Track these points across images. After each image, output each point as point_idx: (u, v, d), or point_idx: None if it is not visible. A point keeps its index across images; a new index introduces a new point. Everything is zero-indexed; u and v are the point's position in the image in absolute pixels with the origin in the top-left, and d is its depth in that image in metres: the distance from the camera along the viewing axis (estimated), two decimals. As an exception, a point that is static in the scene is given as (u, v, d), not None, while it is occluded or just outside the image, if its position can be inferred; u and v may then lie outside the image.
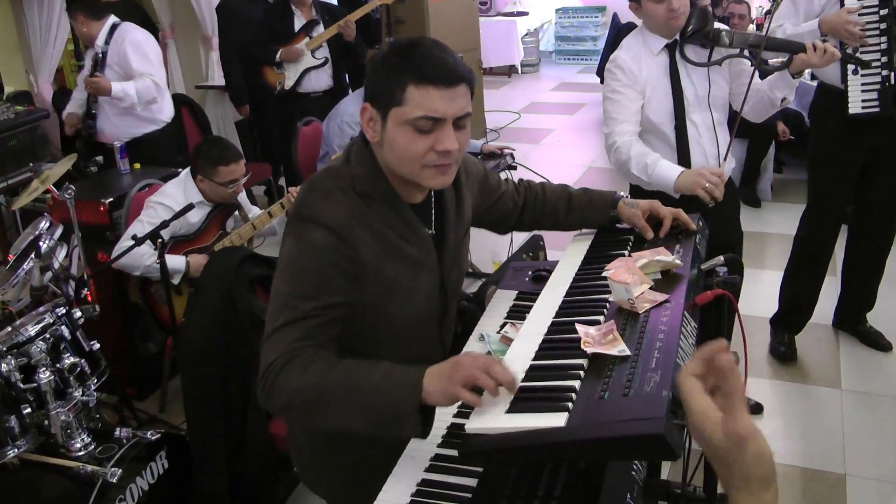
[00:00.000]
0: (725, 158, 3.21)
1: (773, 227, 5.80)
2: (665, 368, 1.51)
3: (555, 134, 8.95)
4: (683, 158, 3.22)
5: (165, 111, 5.28)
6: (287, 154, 5.32)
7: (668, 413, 1.37)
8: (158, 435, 2.89)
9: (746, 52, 3.21)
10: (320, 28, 5.70)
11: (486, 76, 10.37)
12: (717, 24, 3.19)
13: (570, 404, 1.48)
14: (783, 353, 4.28)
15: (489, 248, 4.83)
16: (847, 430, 3.71)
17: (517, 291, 2.35)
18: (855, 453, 3.54)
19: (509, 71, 12.03)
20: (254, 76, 5.91)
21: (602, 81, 8.89)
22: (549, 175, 2.42)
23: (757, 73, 3.17)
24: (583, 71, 12.01)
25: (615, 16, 9.18)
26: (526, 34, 11.96)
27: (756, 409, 3.79)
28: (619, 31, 8.76)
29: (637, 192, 3.23)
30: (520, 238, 3.21)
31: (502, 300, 2.32)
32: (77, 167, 4.88)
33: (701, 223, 2.23)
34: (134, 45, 4.97)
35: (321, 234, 1.75)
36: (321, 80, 5.79)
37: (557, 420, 1.44)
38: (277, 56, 5.63)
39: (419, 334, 1.96)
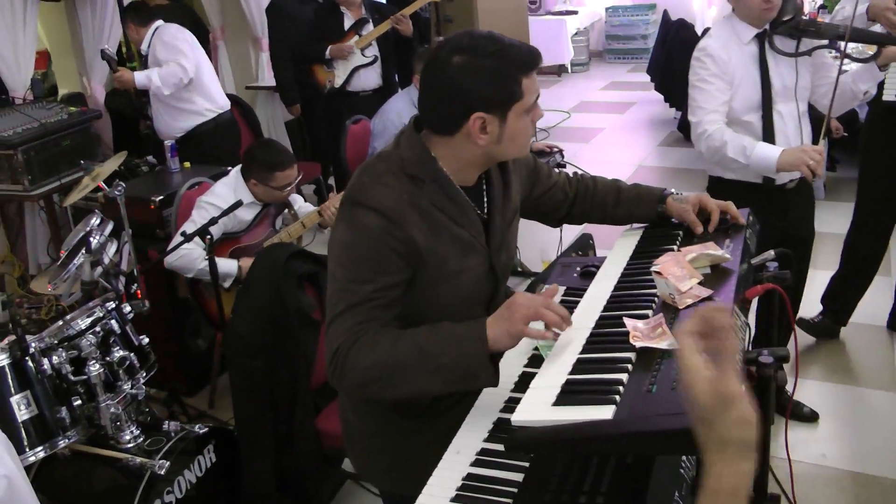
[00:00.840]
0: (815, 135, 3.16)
1: (826, 227, 5.67)
2: (715, 363, 1.48)
3: (605, 133, 8.89)
4: None
5: (212, 102, 5.37)
6: (336, 152, 5.34)
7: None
8: (206, 429, 2.92)
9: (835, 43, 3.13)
10: (370, 26, 5.70)
11: (536, 75, 10.29)
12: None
13: (617, 397, 1.45)
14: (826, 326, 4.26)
15: (538, 247, 4.80)
16: (904, 433, 3.62)
17: (565, 287, 2.32)
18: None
19: (559, 70, 11.95)
20: (304, 75, 5.93)
21: (652, 79, 8.91)
22: (599, 174, 2.39)
23: (836, 67, 3.12)
24: (633, 70, 11.90)
25: (665, 13, 9.07)
26: (576, 33, 11.87)
27: (811, 416, 3.71)
28: (669, 29, 8.69)
29: (718, 185, 3.25)
30: (569, 237, 3.19)
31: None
32: (128, 166, 4.96)
33: (751, 218, 2.18)
34: (162, 39, 5.16)
35: (372, 217, 1.78)
36: (370, 79, 5.80)
37: (605, 413, 1.42)
38: (327, 53, 5.65)
39: (468, 317, 1.91)
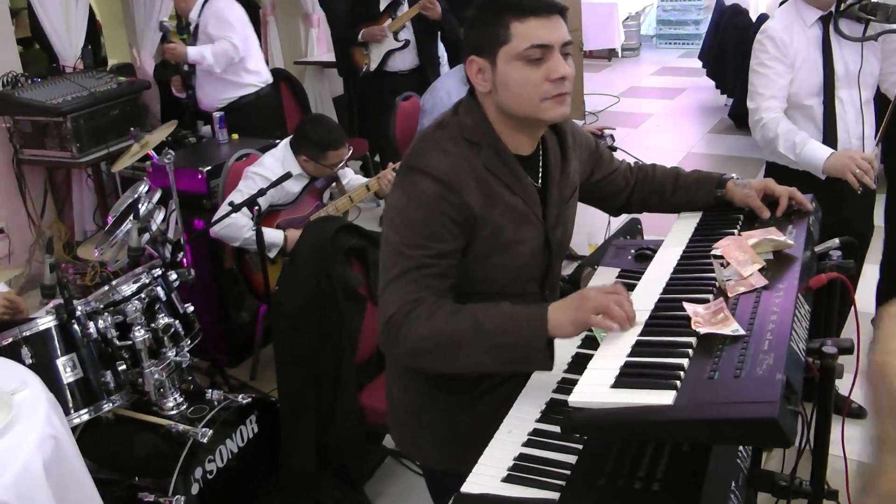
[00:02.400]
0: (877, 139, 3.09)
1: (878, 219, 5.55)
2: (778, 351, 1.43)
3: (654, 118, 8.80)
4: (830, 137, 3.11)
5: (255, 76, 5.37)
6: (375, 131, 5.32)
7: (782, 397, 1.29)
8: (249, 399, 2.92)
9: None
10: (405, 7, 5.67)
11: (586, 59, 10.21)
12: None
13: (678, 382, 1.40)
14: None
15: (585, 231, 4.73)
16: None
17: (619, 269, 2.28)
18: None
19: (609, 55, 11.84)
20: (345, 55, 5.94)
21: (704, 65, 8.79)
22: (647, 160, 2.35)
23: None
24: (684, 55, 11.76)
25: (719, -1, 8.96)
26: (627, 18, 11.76)
27: (860, 412, 3.62)
28: (722, 15, 8.56)
29: (774, 172, 3.18)
30: (616, 221, 3.13)
31: (604, 278, 2.24)
32: (175, 137, 4.97)
33: (815, 204, 2.12)
34: (215, 12, 5.15)
35: (428, 183, 1.77)
36: (406, 61, 5.78)
37: (665, 398, 1.37)
38: (360, 36, 5.64)
39: (521, 291, 1.93)
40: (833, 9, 3.05)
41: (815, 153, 2.92)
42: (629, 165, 2.29)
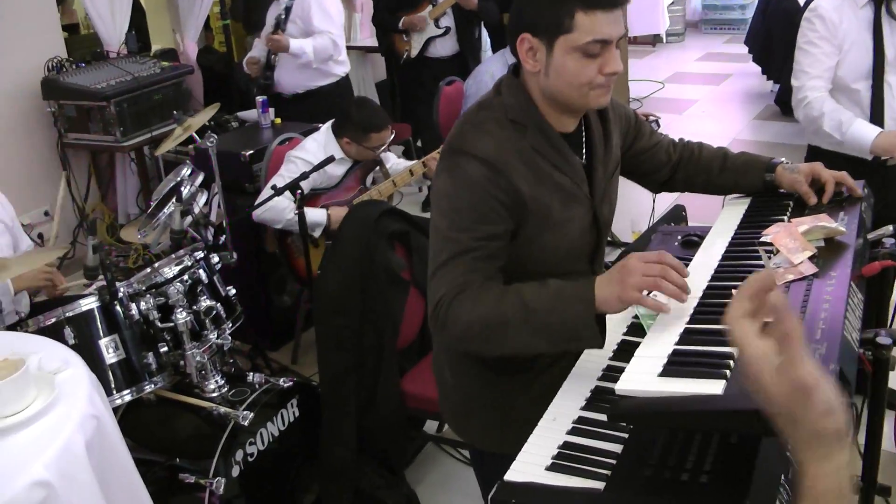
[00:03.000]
0: None
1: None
2: (831, 340, 1.39)
3: (699, 104, 8.69)
4: (876, 122, 3.04)
5: (342, 67, 5.37)
6: (417, 116, 5.30)
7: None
8: (291, 383, 2.92)
9: None
10: None
11: (631, 45, 10.10)
12: None
13: (727, 371, 1.37)
14: None
15: (629, 218, 4.68)
16: None
17: (667, 257, 2.24)
18: None
19: (654, 40, 11.69)
20: (386, 42, 5.92)
21: (750, 51, 8.65)
22: None
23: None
24: (730, 41, 11.59)
25: (767, -18, 8.79)
26: (672, 2, 11.58)
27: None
28: (769, 0, 8.40)
29: (816, 155, 3.12)
30: (660, 209, 3.09)
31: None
32: (218, 121, 4.99)
33: (867, 190, 2.06)
34: (318, 1, 5.07)
35: (475, 166, 1.75)
36: (446, 47, 5.79)
37: (715, 387, 1.34)
38: (400, 24, 5.62)
39: (571, 270, 1.91)
40: None
41: (863, 132, 2.87)
42: (672, 140, 2.26)
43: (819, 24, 3.01)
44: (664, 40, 11.80)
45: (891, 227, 1.88)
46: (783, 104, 8.02)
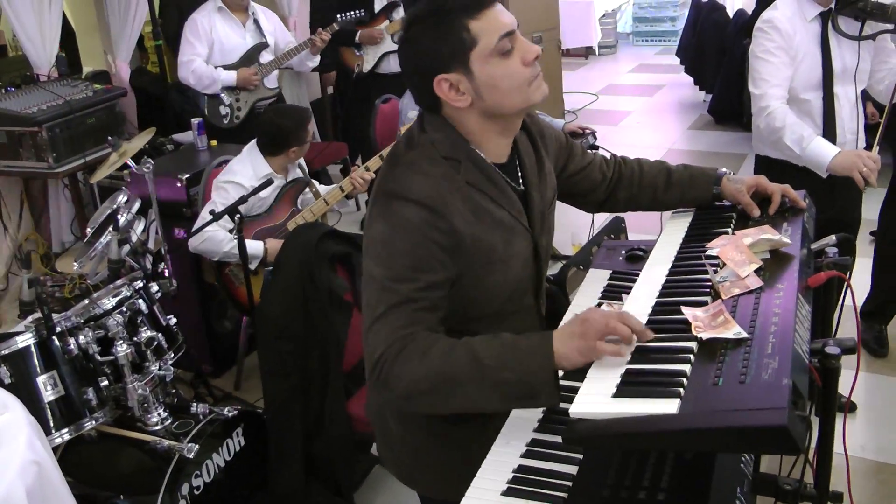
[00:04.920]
0: (877, 140, 3.06)
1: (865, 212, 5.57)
2: (783, 354, 1.39)
3: (633, 115, 8.80)
4: (829, 132, 3.13)
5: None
6: (366, 133, 5.28)
7: (790, 403, 1.26)
8: (235, 412, 2.87)
9: None
10: (401, 10, 5.63)
11: (564, 58, 10.20)
12: None
13: (681, 390, 1.36)
14: (875, 347, 4.08)
15: (569, 231, 4.71)
16: (945, 426, 3.53)
17: (611, 271, 2.24)
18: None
19: (586, 52, 11.84)
20: (333, 55, 5.85)
21: (682, 62, 8.79)
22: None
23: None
24: (661, 52, 11.78)
25: (696, -6, 8.97)
26: (603, 15, 11.76)
27: (850, 407, 3.61)
28: (700, 11, 8.57)
29: (765, 164, 3.20)
30: (599, 221, 3.11)
31: (596, 280, 2.21)
32: (153, 144, 4.90)
33: (808, 201, 2.08)
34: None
35: (411, 209, 1.65)
36: (399, 63, 5.71)
37: (669, 406, 1.33)
38: (357, 38, 5.57)
39: (518, 307, 1.87)
40: (833, 5, 3.06)
41: (822, 150, 2.92)
42: (604, 158, 2.20)
43: (775, 35, 3.06)
44: (597, 52, 11.96)
45: (833, 238, 1.90)
46: (716, 113, 8.16)
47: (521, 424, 1.68)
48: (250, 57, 5.08)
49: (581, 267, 2.64)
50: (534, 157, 1.93)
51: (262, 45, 5.14)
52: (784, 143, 3.01)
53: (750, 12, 7.56)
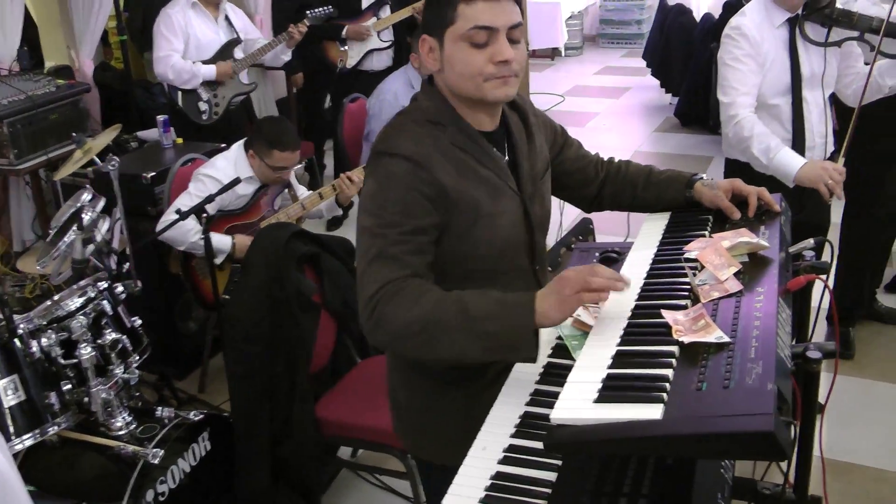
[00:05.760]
0: (842, 151, 3.07)
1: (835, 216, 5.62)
2: (766, 359, 1.37)
3: (600, 117, 8.80)
4: (798, 137, 3.15)
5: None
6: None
7: (775, 409, 1.24)
8: (202, 415, 2.82)
9: (866, 36, 3.09)
10: (387, 9, 5.60)
11: (530, 59, 10.22)
12: (839, 4, 3.10)
13: (664, 395, 1.34)
14: (841, 350, 4.11)
15: (537, 232, 4.70)
16: (912, 427, 3.56)
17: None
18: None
19: (553, 54, 11.84)
20: (315, 50, 5.79)
21: (648, 65, 8.82)
22: None
23: (863, 58, 3.13)
24: (627, 55, 11.80)
25: (662, -1, 9.01)
26: (570, 16, 11.76)
27: (817, 408, 3.62)
28: (667, 15, 8.60)
29: (735, 168, 3.21)
30: (568, 221, 3.09)
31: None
32: (117, 142, 4.82)
33: (783, 204, 2.08)
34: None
35: (397, 162, 1.79)
36: (382, 61, 5.75)
37: (653, 412, 1.31)
38: (344, 32, 5.52)
39: (512, 267, 1.96)
40: (800, 12, 3.08)
41: (789, 161, 2.94)
42: (601, 157, 2.28)
43: (743, 42, 3.08)
44: (563, 54, 11.97)
45: (811, 241, 1.90)
46: (682, 116, 8.19)
47: (499, 430, 1.66)
48: (224, 52, 5.03)
49: (550, 268, 2.62)
50: (524, 133, 2.03)
51: (236, 41, 5.10)
52: (751, 153, 3.03)
53: (717, 16, 7.61)
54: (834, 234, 4.06)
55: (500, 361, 1.88)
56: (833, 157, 3.29)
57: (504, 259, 1.93)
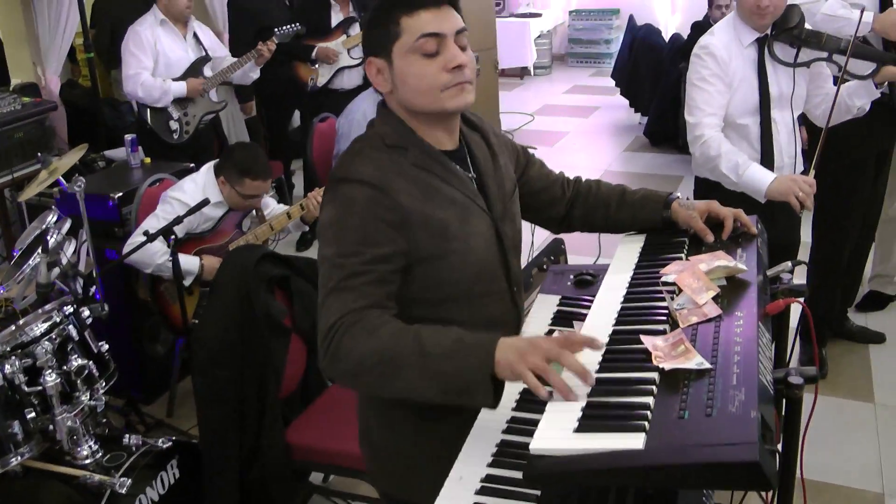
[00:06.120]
0: (813, 166, 3.08)
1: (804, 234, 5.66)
2: (749, 385, 1.35)
3: (569, 137, 8.82)
4: (766, 156, 3.15)
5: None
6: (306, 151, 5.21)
7: (759, 437, 1.22)
8: (170, 443, 2.76)
9: (834, 57, 3.11)
10: (357, 27, 5.59)
11: (500, 78, 10.24)
12: (807, 25, 3.12)
13: (646, 423, 1.32)
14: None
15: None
16: (884, 446, 3.57)
17: (560, 296, 2.19)
18: (893, 470, 3.41)
19: (521, 73, 11.89)
20: (284, 69, 5.76)
21: (617, 84, 8.86)
22: None
23: (832, 79, 3.14)
24: (596, 74, 11.86)
25: (631, 18, 9.05)
26: (538, 36, 11.81)
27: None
28: (636, 35, 8.65)
29: (705, 187, 3.20)
30: (539, 241, 3.09)
31: (544, 306, 2.15)
32: (84, 161, 4.76)
33: (760, 226, 2.07)
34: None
35: (356, 188, 1.73)
36: (352, 79, 5.70)
37: (635, 442, 1.28)
38: (314, 54, 5.50)
39: (488, 290, 1.87)
40: (769, 31, 3.10)
41: (759, 176, 2.93)
42: (566, 177, 2.22)
43: (711, 62, 3.08)
44: (532, 73, 12.01)
45: (789, 264, 1.89)
46: (652, 135, 8.23)
47: (475, 459, 1.62)
48: (193, 70, 4.98)
49: (541, 293, 2.60)
50: (487, 152, 1.97)
51: (205, 59, 5.06)
52: (720, 172, 3.03)
53: (686, 36, 7.66)
54: (804, 254, 4.08)
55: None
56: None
57: (480, 282, 1.85)
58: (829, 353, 4.21)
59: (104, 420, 2.92)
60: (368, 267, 1.67)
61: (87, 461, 2.65)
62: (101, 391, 2.79)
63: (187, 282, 3.59)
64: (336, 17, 5.59)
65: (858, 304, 4.64)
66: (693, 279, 1.74)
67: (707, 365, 1.44)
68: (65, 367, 2.65)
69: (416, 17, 1.73)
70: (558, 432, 1.37)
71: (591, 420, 1.37)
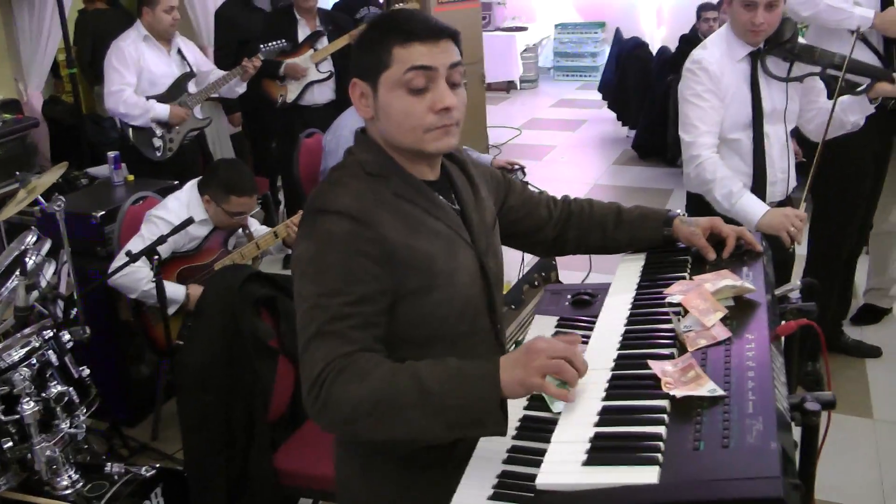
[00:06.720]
0: (806, 188, 3.05)
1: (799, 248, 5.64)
2: (766, 414, 1.29)
3: (557, 150, 8.79)
4: (759, 171, 3.12)
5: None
6: (288, 167, 5.12)
7: (782, 471, 1.15)
8: (154, 470, 2.67)
9: (828, 72, 3.09)
10: (325, 40, 5.51)
11: (486, 92, 10.22)
12: (801, 40, 3.09)
13: (659, 455, 1.25)
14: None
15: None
16: (884, 462, 3.52)
17: (558, 317, 2.12)
18: (893, 488, 3.36)
19: (508, 87, 11.88)
20: (253, 86, 5.68)
21: (604, 98, 8.85)
22: (553, 193, 2.19)
23: (826, 92, 3.13)
24: (582, 87, 11.87)
25: (618, 31, 9.05)
26: (525, 49, 11.81)
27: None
28: (623, 48, 8.64)
29: (697, 202, 3.16)
30: (529, 259, 3.03)
31: (542, 327, 2.08)
32: (67, 178, 4.67)
33: (764, 244, 2.00)
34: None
35: (335, 221, 1.61)
36: (324, 94, 5.61)
37: (649, 476, 1.21)
38: (281, 70, 5.43)
39: (473, 329, 1.78)
40: (762, 45, 3.06)
41: (751, 207, 2.90)
42: (552, 197, 2.14)
43: (704, 77, 3.04)
44: (518, 87, 12.00)
45: (798, 283, 1.82)
46: (640, 149, 8.20)
47: (475, 491, 1.54)
48: (178, 86, 4.90)
49: (513, 306, 2.54)
50: (467, 183, 1.89)
51: (189, 75, 4.98)
52: (713, 196, 3.00)
53: (673, 49, 7.64)
54: (799, 269, 4.03)
55: (468, 441, 1.70)
56: (795, 192, 3.27)
57: (464, 320, 1.76)
58: (824, 368, 4.16)
59: (86, 447, 2.83)
60: (353, 309, 1.57)
61: (67, 491, 2.56)
62: (82, 418, 2.70)
63: (171, 310, 3.50)
64: (303, 32, 5.52)
65: (853, 317, 4.60)
66: (700, 300, 1.68)
67: (720, 392, 1.37)
68: (43, 395, 2.56)
69: (409, 48, 1.63)
70: (566, 465, 1.30)
71: (601, 452, 1.31)
